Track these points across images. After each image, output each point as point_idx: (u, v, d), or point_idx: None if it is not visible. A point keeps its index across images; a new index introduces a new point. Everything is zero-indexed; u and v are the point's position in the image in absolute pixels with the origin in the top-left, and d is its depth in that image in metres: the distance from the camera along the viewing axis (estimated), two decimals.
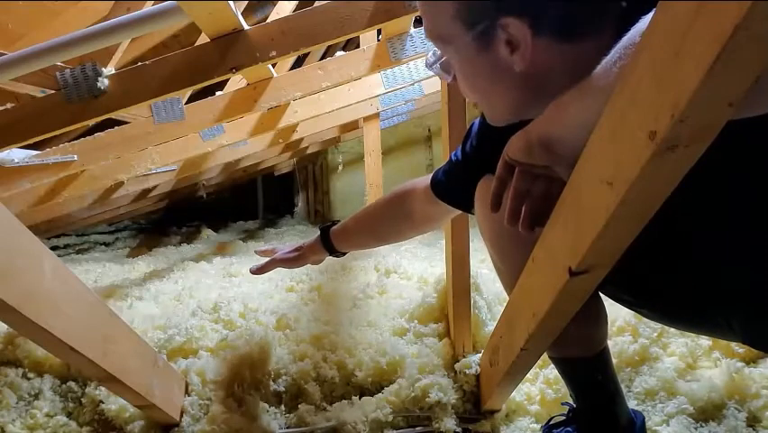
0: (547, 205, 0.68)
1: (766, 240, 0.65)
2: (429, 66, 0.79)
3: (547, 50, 0.65)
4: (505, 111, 0.74)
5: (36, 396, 1.31)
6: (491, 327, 1.40)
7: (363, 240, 1.23)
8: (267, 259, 1.25)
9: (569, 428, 1.06)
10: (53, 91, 1.54)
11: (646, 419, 1.16)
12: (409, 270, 2.09)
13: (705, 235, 0.71)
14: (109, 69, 1.53)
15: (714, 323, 0.78)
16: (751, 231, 0.66)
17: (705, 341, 1.36)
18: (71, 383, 1.34)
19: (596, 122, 0.55)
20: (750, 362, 1.29)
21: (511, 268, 0.92)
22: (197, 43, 1.73)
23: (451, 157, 1.02)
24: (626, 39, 0.53)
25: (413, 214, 1.11)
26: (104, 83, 1.49)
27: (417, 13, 1.61)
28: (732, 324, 0.74)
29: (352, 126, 4.27)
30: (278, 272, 2.32)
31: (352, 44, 3.66)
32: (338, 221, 1.23)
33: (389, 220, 1.16)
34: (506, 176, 0.70)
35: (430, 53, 0.79)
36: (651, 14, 0.50)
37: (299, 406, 1.28)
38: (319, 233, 1.21)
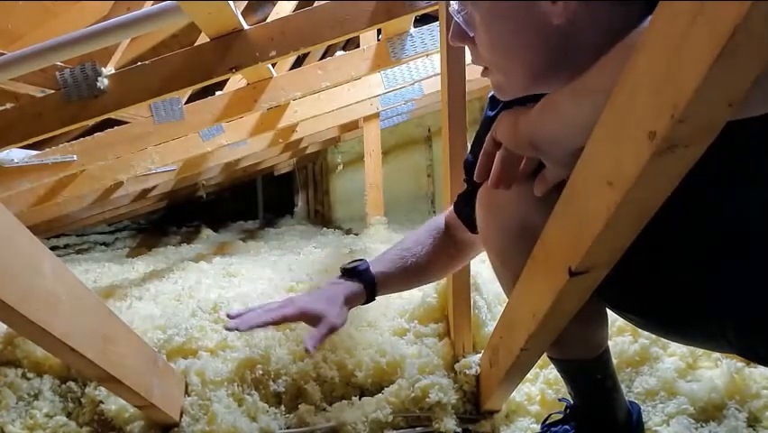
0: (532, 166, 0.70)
1: (765, 247, 0.65)
2: (455, 13, 0.73)
3: (587, 7, 0.62)
4: (522, 76, 0.69)
5: (36, 396, 1.31)
6: (491, 327, 1.40)
7: (407, 285, 1.12)
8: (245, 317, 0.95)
9: (567, 426, 1.06)
10: (53, 91, 1.54)
11: (647, 419, 1.16)
12: None
13: (702, 239, 0.70)
14: (109, 69, 1.53)
15: (708, 333, 0.77)
16: (750, 236, 0.65)
17: None
18: (71, 383, 1.34)
19: (587, 123, 0.55)
20: (750, 362, 1.29)
21: (513, 273, 0.91)
22: (197, 43, 1.73)
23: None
24: (623, 41, 0.53)
25: (458, 244, 1.06)
26: (103, 83, 1.49)
27: (417, 13, 1.62)
28: (727, 335, 0.74)
29: (351, 126, 4.28)
30: (278, 272, 2.33)
31: (352, 44, 3.66)
32: (362, 261, 1.04)
33: (441, 258, 1.06)
34: (493, 150, 0.71)
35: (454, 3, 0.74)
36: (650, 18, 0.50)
37: (299, 406, 1.28)
38: (362, 285, 1.01)
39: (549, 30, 0.63)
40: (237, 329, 0.93)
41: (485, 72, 0.75)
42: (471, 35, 0.72)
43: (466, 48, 0.76)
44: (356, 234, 3.92)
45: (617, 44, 0.54)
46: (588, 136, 0.57)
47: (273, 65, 2.10)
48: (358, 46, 2.28)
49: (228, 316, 0.96)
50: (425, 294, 1.58)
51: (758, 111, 0.45)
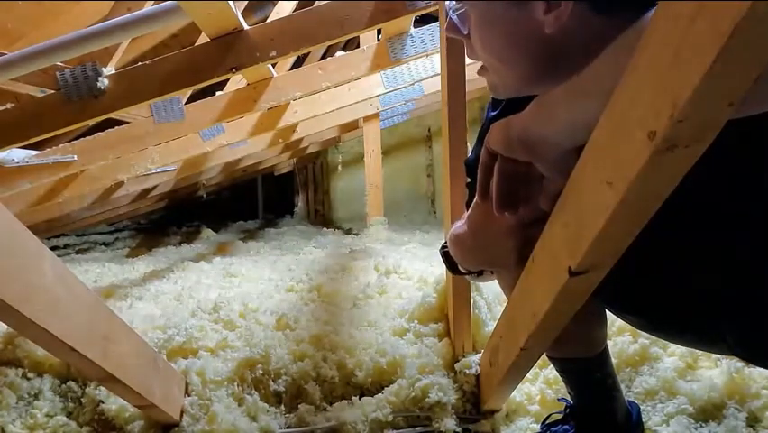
0: (531, 187, 0.68)
1: (765, 247, 0.65)
2: (450, 10, 0.73)
3: (579, 18, 0.62)
4: (514, 80, 0.71)
5: (36, 396, 1.31)
6: (491, 327, 1.40)
7: None
8: None
9: (567, 426, 1.06)
10: (53, 91, 1.54)
11: (646, 419, 1.16)
12: (409, 270, 2.09)
13: (702, 240, 0.70)
14: (109, 69, 1.53)
15: (707, 335, 0.77)
16: (751, 237, 0.65)
17: None
18: (71, 383, 1.34)
19: (579, 123, 0.55)
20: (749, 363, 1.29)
21: (513, 274, 0.90)
22: (197, 43, 1.73)
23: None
24: (618, 41, 0.53)
25: None
26: (104, 83, 1.49)
27: (417, 13, 1.62)
28: (726, 337, 0.73)
29: (352, 126, 4.28)
30: (278, 272, 2.33)
31: (352, 44, 3.66)
32: None
33: None
34: (490, 163, 0.70)
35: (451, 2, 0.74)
36: (643, 18, 0.50)
37: (299, 406, 1.28)
38: None
39: (541, 38, 0.64)
40: None
41: (481, 71, 0.75)
42: (466, 33, 0.73)
43: (466, 48, 0.76)
44: (356, 234, 3.92)
45: (610, 46, 0.54)
46: (579, 136, 0.57)
47: (273, 65, 2.10)
48: (358, 46, 2.28)
49: None
50: (424, 294, 1.58)
51: (758, 110, 0.45)
